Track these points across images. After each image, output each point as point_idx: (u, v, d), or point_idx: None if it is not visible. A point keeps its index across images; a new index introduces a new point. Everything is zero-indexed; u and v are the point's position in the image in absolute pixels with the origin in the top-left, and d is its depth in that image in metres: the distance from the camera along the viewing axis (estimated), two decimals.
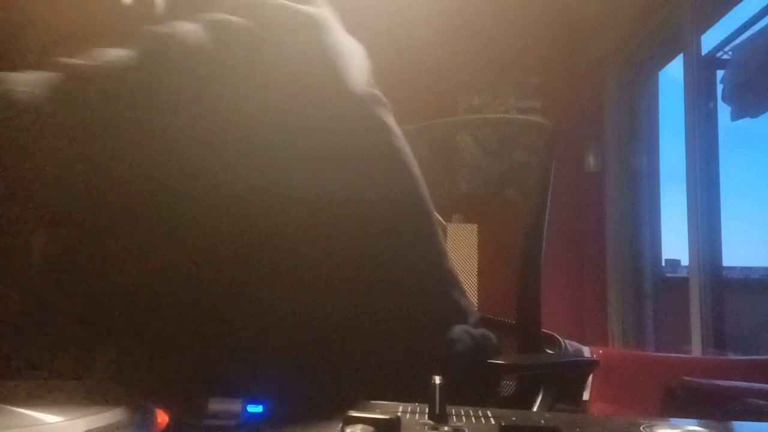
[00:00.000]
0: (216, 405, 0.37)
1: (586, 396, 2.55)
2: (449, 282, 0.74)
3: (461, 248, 3.71)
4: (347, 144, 0.59)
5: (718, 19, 3.09)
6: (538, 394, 0.85)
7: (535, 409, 0.82)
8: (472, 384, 0.68)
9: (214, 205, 0.52)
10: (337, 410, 0.36)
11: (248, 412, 0.39)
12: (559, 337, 1.05)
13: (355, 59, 0.65)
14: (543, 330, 1.02)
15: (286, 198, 0.54)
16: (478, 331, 0.74)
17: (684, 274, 3.12)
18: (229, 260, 0.54)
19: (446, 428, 0.37)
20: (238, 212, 0.53)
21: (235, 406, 0.37)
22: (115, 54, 0.53)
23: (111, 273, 0.52)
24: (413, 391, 0.45)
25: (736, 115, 2.91)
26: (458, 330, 0.70)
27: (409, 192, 0.69)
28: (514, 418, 0.41)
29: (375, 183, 0.62)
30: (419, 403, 0.42)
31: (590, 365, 1.05)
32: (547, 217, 0.99)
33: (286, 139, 0.55)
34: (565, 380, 0.91)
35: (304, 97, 0.56)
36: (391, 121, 0.68)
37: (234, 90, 0.53)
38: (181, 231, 0.53)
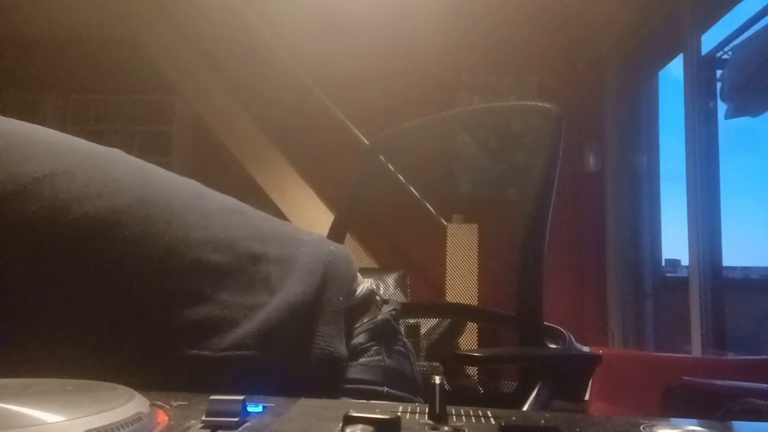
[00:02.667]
0: (215, 404, 0.37)
1: (586, 396, 2.55)
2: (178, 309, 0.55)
3: (462, 248, 3.71)
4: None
5: (718, 19, 3.09)
6: (533, 390, 0.83)
7: (527, 405, 0.81)
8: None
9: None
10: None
11: (248, 411, 0.39)
12: (565, 332, 1.03)
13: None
14: (549, 324, 1.00)
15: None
16: (260, 326, 0.55)
17: (684, 274, 3.12)
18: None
19: (446, 428, 0.37)
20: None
21: (235, 404, 0.37)
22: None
23: None
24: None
25: (731, 114, 2.92)
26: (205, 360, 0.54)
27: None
28: (514, 418, 0.41)
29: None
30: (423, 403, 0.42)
31: (592, 361, 1.03)
32: (551, 205, 0.97)
33: None
34: (564, 376, 0.90)
35: None
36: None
37: None
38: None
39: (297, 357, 0.58)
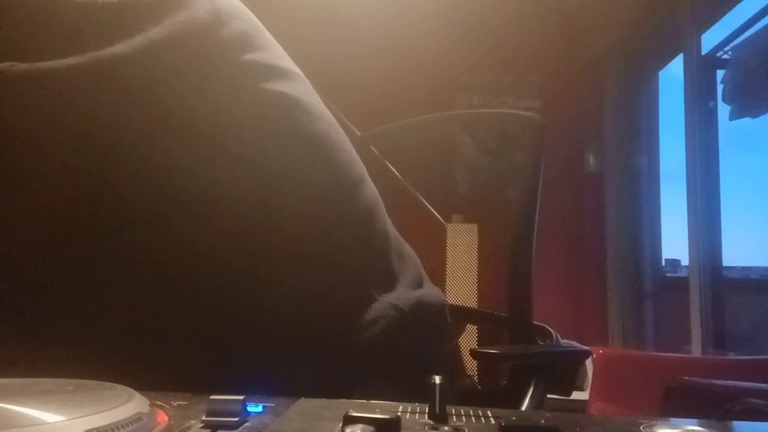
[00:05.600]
0: (215, 404, 0.37)
1: (585, 396, 2.55)
2: (371, 253, 0.67)
3: (462, 248, 3.70)
4: (236, 123, 0.55)
5: (718, 19, 3.09)
6: (530, 386, 0.86)
7: (527, 400, 0.83)
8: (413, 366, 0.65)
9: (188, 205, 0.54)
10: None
11: (248, 411, 0.39)
12: (551, 329, 1.05)
13: (258, 36, 0.62)
14: (536, 323, 1.03)
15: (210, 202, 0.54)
16: (413, 297, 0.67)
17: (684, 274, 3.12)
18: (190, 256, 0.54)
19: (446, 428, 0.37)
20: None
21: (235, 404, 0.37)
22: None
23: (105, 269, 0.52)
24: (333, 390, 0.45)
25: (735, 115, 2.91)
26: (379, 306, 0.63)
27: (316, 162, 0.63)
28: (513, 418, 0.41)
29: (271, 157, 0.58)
30: (418, 403, 0.42)
31: (582, 355, 1.05)
32: (537, 210, 1.00)
33: (178, 132, 0.54)
34: (556, 371, 0.92)
35: (188, 81, 0.55)
36: (294, 91, 0.63)
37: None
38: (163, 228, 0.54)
39: (421, 342, 0.70)
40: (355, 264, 0.64)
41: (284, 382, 0.50)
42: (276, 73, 0.61)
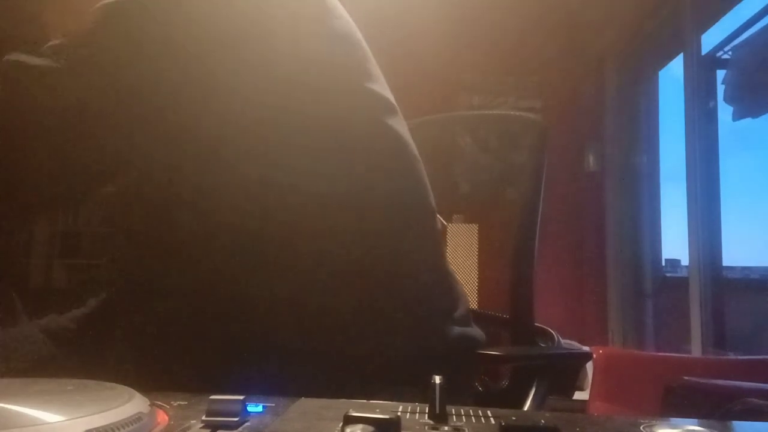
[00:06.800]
0: (215, 404, 0.37)
1: (585, 396, 2.55)
2: (437, 282, 0.72)
3: (462, 248, 3.70)
4: (356, 145, 0.60)
5: (718, 19, 3.09)
6: (531, 387, 0.86)
7: (528, 402, 0.83)
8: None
9: (215, 200, 0.53)
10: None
11: (248, 411, 0.39)
12: (552, 331, 1.06)
13: (373, 64, 0.66)
14: (537, 325, 1.03)
15: (287, 195, 0.55)
16: (459, 331, 0.71)
17: (684, 274, 3.12)
18: (229, 253, 0.54)
19: (446, 428, 0.37)
20: (239, 208, 0.54)
21: (235, 404, 0.37)
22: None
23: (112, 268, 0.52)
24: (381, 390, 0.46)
25: (737, 116, 2.91)
26: (435, 333, 0.67)
27: (413, 195, 0.69)
28: (514, 418, 0.41)
29: (379, 184, 0.63)
30: (419, 403, 0.42)
31: (583, 357, 1.06)
32: (539, 212, 1.00)
33: (292, 135, 0.55)
34: (558, 373, 0.92)
35: (316, 95, 0.56)
36: (401, 128, 0.69)
37: (245, 85, 0.54)
38: (182, 226, 0.54)
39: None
40: (419, 282, 0.67)
41: (301, 382, 0.50)
42: (392, 108, 0.67)
